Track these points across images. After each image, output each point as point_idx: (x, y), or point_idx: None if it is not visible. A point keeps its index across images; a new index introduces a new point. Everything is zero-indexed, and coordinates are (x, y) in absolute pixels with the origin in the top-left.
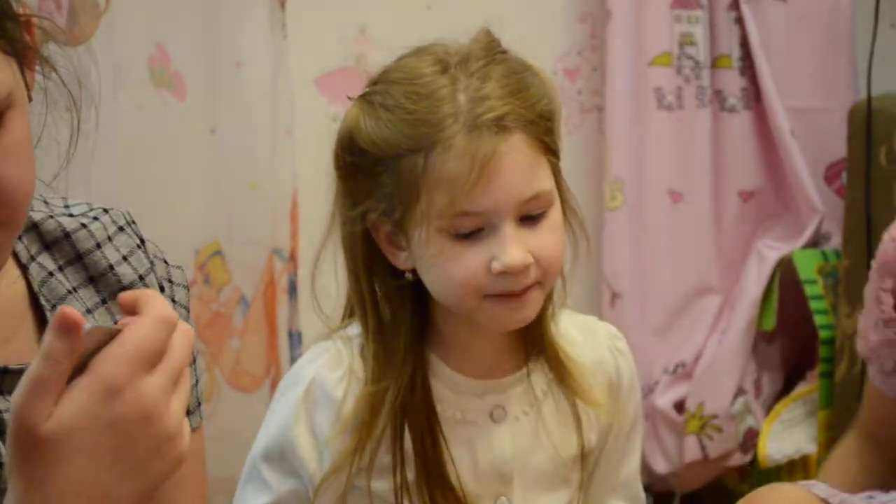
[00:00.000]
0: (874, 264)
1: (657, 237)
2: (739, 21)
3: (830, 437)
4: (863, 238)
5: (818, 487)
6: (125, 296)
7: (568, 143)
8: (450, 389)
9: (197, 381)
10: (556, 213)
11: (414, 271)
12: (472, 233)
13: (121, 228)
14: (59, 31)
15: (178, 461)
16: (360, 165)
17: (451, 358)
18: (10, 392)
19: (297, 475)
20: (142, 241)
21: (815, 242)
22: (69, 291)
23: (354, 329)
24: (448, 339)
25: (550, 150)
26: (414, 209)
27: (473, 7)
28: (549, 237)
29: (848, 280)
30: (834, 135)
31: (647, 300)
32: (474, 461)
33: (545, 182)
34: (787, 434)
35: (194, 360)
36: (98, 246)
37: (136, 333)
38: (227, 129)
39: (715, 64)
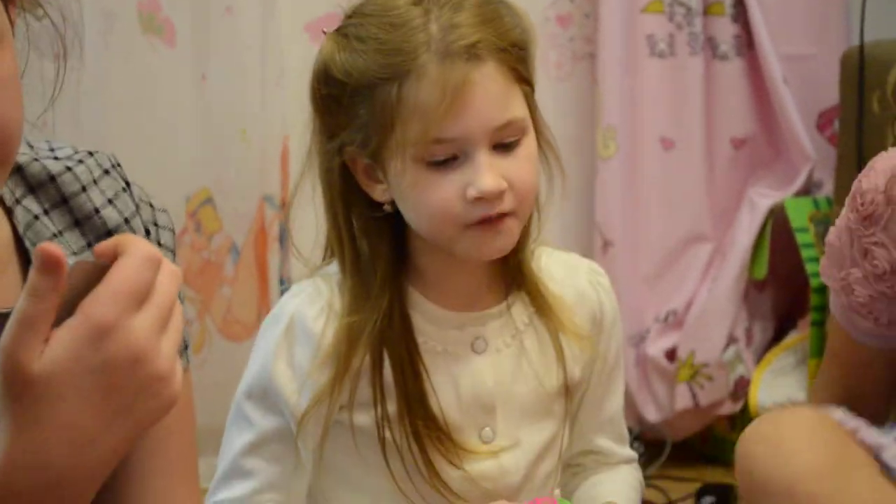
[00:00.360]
0: (852, 216)
1: (649, 185)
2: None
3: None
4: None
5: (836, 412)
6: (102, 245)
7: (560, 90)
8: (429, 322)
9: (185, 324)
10: (530, 142)
11: (392, 203)
12: (447, 161)
13: (106, 171)
14: None
15: (170, 402)
16: (335, 97)
17: (429, 291)
18: None
19: (280, 412)
20: (127, 183)
21: (806, 190)
22: (54, 235)
23: (334, 268)
24: (426, 273)
25: (524, 80)
26: (389, 139)
27: None
28: (523, 165)
29: None
30: (826, 82)
31: (639, 248)
32: (456, 392)
33: (518, 110)
34: (777, 382)
35: (181, 302)
36: (83, 189)
37: (122, 273)
38: (217, 75)
39: (707, 11)
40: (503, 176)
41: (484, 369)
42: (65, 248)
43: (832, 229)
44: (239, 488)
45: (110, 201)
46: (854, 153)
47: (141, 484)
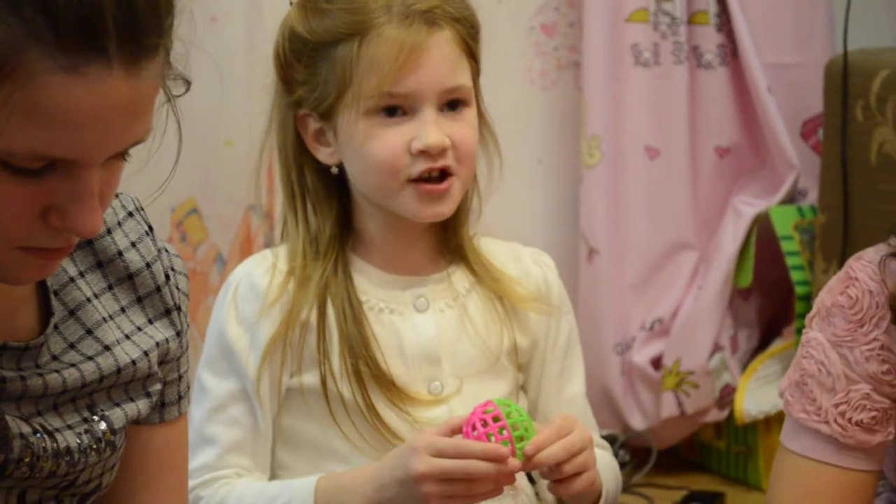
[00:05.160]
0: (840, 329)
1: (634, 193)
2: None
3: None
4: (839, 194)
5: None
6: None
7: (545, 98)
8: (372, 283)
9: (187, 369)
10: (472, 114)
11: (339, 167)
12: (397, 116)
13: (130, 214)
14: None
15: None
16: (298, 54)
17: (372, 257)
18: (7, 368)
19: (235, 374)
20: (150, 227)
21: (791, 198)
22: (76, 275)
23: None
24: (369, 240)
25: (473, 56)
26: (346, 94)
27: None
28: (465, 130)
29: (824, 236)
30: (810, 90)
31: (625, 256)
32: (400, 346)
33: (466, 79)
34: (763, 390)
35: (187, 348)
36: (108, 231)
37: None
38: (202, 84)
39: (691, 20)
40: (447, 135)
41: (426, 324)
42: (86, 289)
43: (802, 363)
44: (204, 456)
45: (133, 244)
46: (838, 161)
47: None
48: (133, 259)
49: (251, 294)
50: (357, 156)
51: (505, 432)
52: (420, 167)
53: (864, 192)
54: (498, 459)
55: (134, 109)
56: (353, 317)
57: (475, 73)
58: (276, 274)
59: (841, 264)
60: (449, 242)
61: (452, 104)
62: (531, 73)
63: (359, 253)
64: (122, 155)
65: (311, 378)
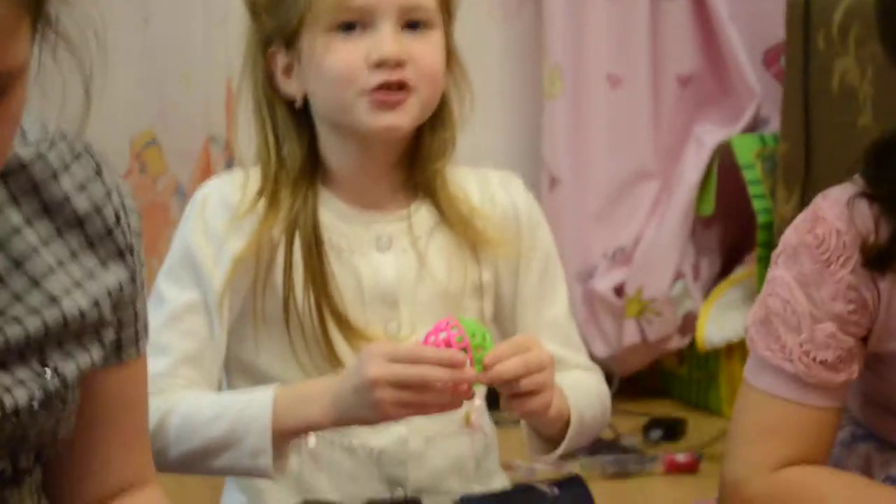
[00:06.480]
0: (807, 268)
1: (596, 123)
2: None
3: None
4: (801, 122)
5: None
6: None
7: (506, 30)
8: (337, 218)
9: (144, 307)
10: (437, 38)
11: (304, 99)
12: (356, 30)
13: (77, 156)
14: None
15: None
16: None
17: (339, 191)
18: None
19: (195, 286)
20: (98, 167)
21: (753, 127)
22: (22, 224)
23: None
24: (336, 175)
25: None
26: (306, 16)
27: None
28: (427, 49)
29: (786, 165)
30: (773, 18)
31: (587, 186)
32: (359, 286)
33: (429, 1)
34: (725, 317)
35: (142, 287)
36: (55, 176)
37: None
38: (159, 17)
39: None
40: (407, 51)
41: (386, 265)
42: (33, 238)
43: (767, 300)
44: (156, 364)
45: (81, 187)
46: (800, 91)
47: (105, 454)
48: (81, 204)
49: (221, 208)
50: (316, 74)
51: (464, 340)
52: (377, 79)
53: (825, 122)
54: (454, 365)
55: None
56: (317, 253)
57: (443, 5)
58: (248, 192)
59: (803, 193)
60: (416, 178)
61: (413, 24)
62: (491, 4)
63: (327, 186)
64: None
65: (274, 304)
